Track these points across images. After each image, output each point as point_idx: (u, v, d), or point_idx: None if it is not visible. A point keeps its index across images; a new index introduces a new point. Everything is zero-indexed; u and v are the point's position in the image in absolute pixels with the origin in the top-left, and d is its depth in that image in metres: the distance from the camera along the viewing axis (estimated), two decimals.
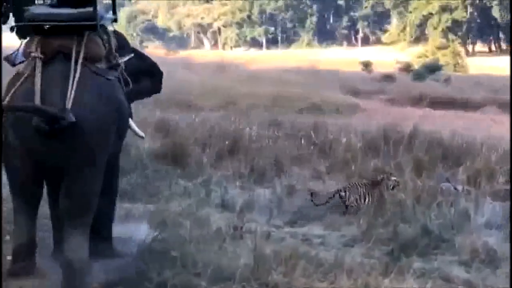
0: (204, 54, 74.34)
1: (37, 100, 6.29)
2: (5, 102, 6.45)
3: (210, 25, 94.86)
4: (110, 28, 7.45)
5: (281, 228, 9.86)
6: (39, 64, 6.61)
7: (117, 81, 7.13)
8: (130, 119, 7.89)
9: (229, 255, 7.77)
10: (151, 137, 14.85)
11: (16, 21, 7.04)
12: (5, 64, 7.05)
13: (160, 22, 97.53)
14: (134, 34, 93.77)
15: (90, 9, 6.93)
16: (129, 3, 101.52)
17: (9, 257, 6.77)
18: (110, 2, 7.80)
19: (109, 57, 7.13)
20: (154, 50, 78.58)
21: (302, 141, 15.41)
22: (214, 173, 12.64)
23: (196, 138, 14.86)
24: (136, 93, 7.85)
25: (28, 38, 6.91)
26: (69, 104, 6.28)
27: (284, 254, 7.96)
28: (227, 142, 14.66)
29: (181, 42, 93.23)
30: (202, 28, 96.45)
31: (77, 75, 6.51)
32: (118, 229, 8.57)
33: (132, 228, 8.77)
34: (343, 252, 8.74)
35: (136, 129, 8.08)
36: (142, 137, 8.68)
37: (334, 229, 10.00)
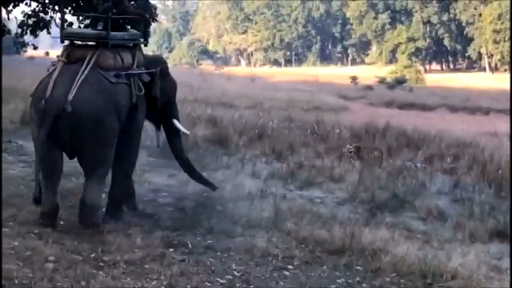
0: (241, 70, 74.30)
1: (49, 90, 6.21)
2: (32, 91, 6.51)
3: (245, 49, 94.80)
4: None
5: (293, 191, 9.82)
6: (59, 65, 6.53)
7: (124, 85, 6.77)
8: (175, 120, 7.72)
9: (257, 210, 7.76)
10: (204, 127, 14.87)
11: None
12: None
13: (210, 47, 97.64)
14: (193, 55, 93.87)
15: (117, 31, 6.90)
16: (189, 33, 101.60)
17: None
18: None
19: (119, 67, 6.76)
20: (206, 66, 78.84)
21: (308, 131, 15.35)
22: (247, 152, 12.62)
23: (234, 128, 14.85)
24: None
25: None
26: (70, 97, 6.16)
27: (295, 210, 7.96)
28: (256, 131, 14.64)
29: (225, 61, 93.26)
30: (240, 52, 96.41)
31: (83, 75, 6.36)
32: (181, 190, 8.63)
33: (190, 190, 8.79)
34: (337, 209, 8.70)
35: (181, 127, 7.87)
36: (187, 134, 8.43)
37: (330, 192, 9.94)
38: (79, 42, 6.95)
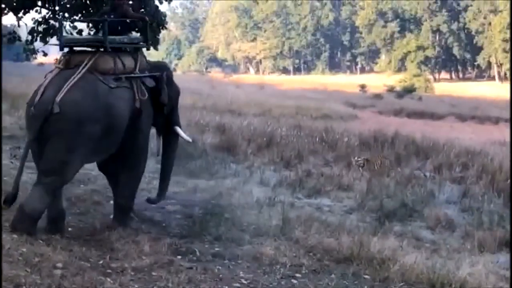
0: (250, 78, 74.40)
1: (38, 95, 6.04)
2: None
3: (254, 57, 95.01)
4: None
5: (301, 199, 9.81)
6: (56, 71, 6.39)
7: (126, 89, 6.55)
8: (178, 127, 7.38)
9: (265, 218, 7.74)
10: (212, 134, 14.90)
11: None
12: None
13: (219, 55, 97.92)
14: (202, 63, 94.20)
15: (114, 35, 6.70)
16: (198, 41, 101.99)
17: None
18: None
19: (119, 71, 6.55)
20: (215, 74, 79.03)
21: (317, 139, 15.35)
22: (255, 160, 12.63)
23: (243, 136, 14.86)
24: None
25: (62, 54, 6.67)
26: (58, 98, 5.93)
27: (303, 218, 7.94)
28: (264, 139, 14.64)
29: (234, 69, 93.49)
30: (249, 59, 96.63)
31: (76, 78, 6.14)
32: (189, 197, 8.63)
33: (198, 197, 8.79)
34: (345, 217, 8.69)
35: (184, 135, 7.52)
36: (189, 141, 8.05)
37: (338, 201, 9.93)
38: (78, 49, 6.76)
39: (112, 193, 7.15)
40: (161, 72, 7.12)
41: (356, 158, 12.34)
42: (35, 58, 16.06)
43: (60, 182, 6.20)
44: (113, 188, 7.13)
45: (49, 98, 5.99)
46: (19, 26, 13.86)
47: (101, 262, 5.53)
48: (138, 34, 7.61)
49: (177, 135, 7.43)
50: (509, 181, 11.17)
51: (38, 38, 13.36)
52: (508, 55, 68.92)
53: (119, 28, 6.98)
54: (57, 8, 12.81)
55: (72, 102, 6.00)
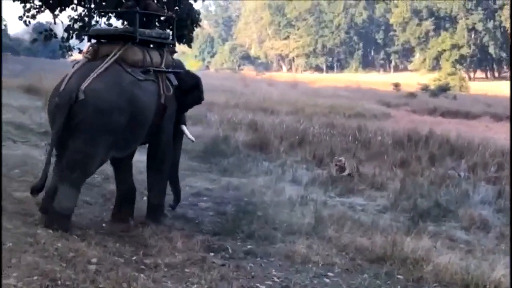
0: (282, 75, 74.23)
1: (63, 84, 5.93)
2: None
3: (287, 55, 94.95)
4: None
5: (334, 198, 9.77)
6: (83, 61, 6.28)
7: (153, 83, 6.43)
8: (184, 126, 7.21)
9: (298, 216, 7.72)
10: (245, 132, 14.92)
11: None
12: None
13: (252, 52, 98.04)
14: (234, 60, 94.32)
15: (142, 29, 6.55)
16: (232, 38, 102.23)
17: None
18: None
19: (147, 64, 6.43)
20: (247, 71, 78.99)
21: (350, 138, 15.27)
22: (288, 158, 12.61)
23: (275, 134, 14.85)
24: (190, 102, 7.12)
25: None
26: (83, 86, 5.78)
27: (336, 217, 7.90)
28: (297, 137, 14.62)
29: (267, 66, 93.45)
30: (281, 57, 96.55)
31: (102, 69, 6.00)
32: (222, 195, 8.65)
33: (231, 194, 8.81)
34: (378, 217, 8.62)
35: (189, 134, 7.29)
36: (192, 141, 7.74)
37: (372, 200, 9.87)
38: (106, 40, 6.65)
39: (116, 184, 6.96)
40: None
41: (336, 157, 12.04)
42: (71, 55, 16.24)
43: (84, 176, 6.09)
44: (116, 179, 6.96)
45: (73, 87, 5.87)
46: (55, 23, 14.06)
47: (134, 258, 5.57)
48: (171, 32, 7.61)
49: (181, 134, 7.25)
50: None
51: (74, 36, 13.53)
52: None
53: (144, 21, 6.94)
54: (92, 6, 12.95)
55: (97, 91, 5.87)
